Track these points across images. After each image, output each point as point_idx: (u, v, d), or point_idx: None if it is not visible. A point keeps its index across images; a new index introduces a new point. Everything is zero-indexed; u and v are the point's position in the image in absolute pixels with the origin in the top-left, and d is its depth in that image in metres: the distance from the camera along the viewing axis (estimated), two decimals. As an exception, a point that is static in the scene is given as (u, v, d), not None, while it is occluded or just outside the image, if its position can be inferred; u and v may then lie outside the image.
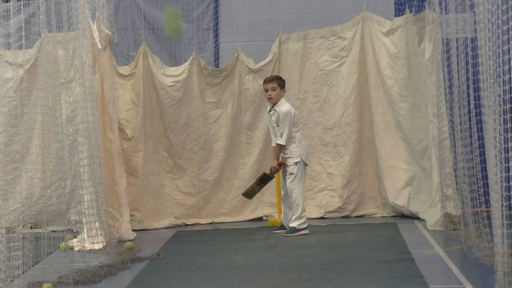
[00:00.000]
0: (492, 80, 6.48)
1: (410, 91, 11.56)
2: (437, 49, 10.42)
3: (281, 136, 10.30)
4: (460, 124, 9.20)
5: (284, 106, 10.37)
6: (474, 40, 8.39)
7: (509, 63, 6.32)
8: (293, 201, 10.29)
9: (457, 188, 10.07)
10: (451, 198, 10.18)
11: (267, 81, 10.54)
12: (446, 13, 9.99)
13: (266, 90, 10.46)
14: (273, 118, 10.41)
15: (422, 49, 11.11)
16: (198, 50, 12.41)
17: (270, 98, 10.40)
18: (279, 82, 10.46)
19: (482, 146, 8.30)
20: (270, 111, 10.50)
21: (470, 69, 8.74)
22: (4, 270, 7.08)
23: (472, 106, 8.94)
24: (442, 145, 10.30)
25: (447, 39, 10.00)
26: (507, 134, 6.36)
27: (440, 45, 10.31)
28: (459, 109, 9.21)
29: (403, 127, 11.64)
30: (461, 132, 9.19)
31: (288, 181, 10.35)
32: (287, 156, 10.37)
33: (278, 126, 10.32)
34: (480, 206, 8.77)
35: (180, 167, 12.25)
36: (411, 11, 11.49)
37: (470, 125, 9.03)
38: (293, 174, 10.30)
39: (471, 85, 8.86)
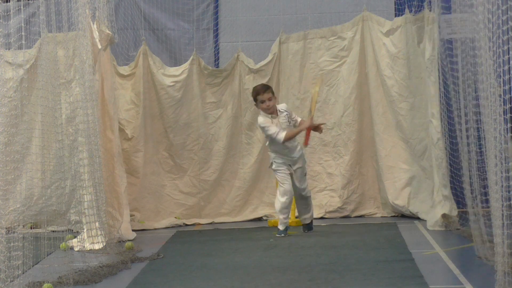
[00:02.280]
0: (492, 80, 6.48)
1: (410, 91, 11.56)
2: (436, 49, 10.42)
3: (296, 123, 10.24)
4: (460, 124, 9.19)
5: (281, 103, 10.46)
6: (474, 40, 8.38)
7: (509, 63, 6.32)
8: (310, 197, 10.46)
9: (456, 188, 10.07)
10: (451, 198, 10.17)
11: (262, 91, 10.09)
12: (446, 13, 9.99)
13: (263, 102, 10.03)
14: (282, 120, 10.10)
15: (421, 49, 11.10)
16: (198, 50, 12.42)
17: (268, 108, 10.04)
18: (272, 90, 10.22)
19: (482, 146, 8.30)
20: (271, 117, 10.16)
21: (471, 69, 8.73)
22: (4, 270, 7.08)
23: (472, 106, 8.93)
24: (441, 145, 10.30)
25: (446, 39, 9.99)
26: (507, 134, 6.36)
27: (439, 45, 10.31)
28: (459, 109, 9.21)
29: (403, 127, 11.64)
30: (461, 132, 9.18)
31: (304, 182, 10.30)
32: (300, 153, 10.28)
33: (289, 122, 10.17)
34: (480, 206, 8.76)
35: (180, 167, 12.25)
36: (410, 11, 11.48)
37: (470, 125, 9.02)
38: (306, 173, 10.39)
39: (471, 85, 8.85)
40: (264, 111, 10.01)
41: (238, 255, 9.06)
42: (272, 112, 10.00)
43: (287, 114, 10.08)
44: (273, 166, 10.26)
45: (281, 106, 10.15)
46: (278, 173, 10.23)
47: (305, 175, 10.28)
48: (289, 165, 10.20)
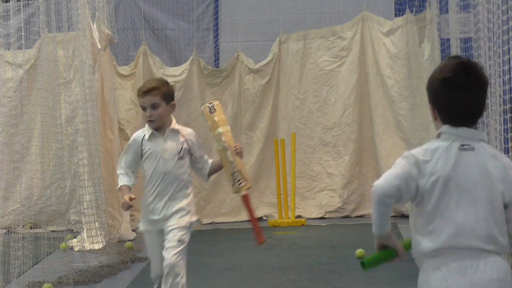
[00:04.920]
0: (492, 80, 6.48)
1: (410, 91, 11.56)
2: (435, 49, 10.42)
3: (208, 162, 5.93)
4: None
5: (188, 128, 5.93)
6: (474, 40, 8.38)
7: (509, 63, 6.32)
8: (177, 283, 5.77)
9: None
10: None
11: (143, 92, 5.69)
12: (446, 13, 9.98)
13: (143, 108, 5.72)
14: (169, 146, 5.80)
15: (422, 49, 11.11)
16: (198, 50, 12.42)
17: (150, 121, 5.70)
18: (165, 91, 5.69)
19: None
20: (151, 135, 5.83)
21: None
22: (4, 270, 7.08)
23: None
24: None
25: (447, 39, 9.99)
26: (507, 134, 6.36)
27: (438, 45, 10.31)
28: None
29: (403, 127, 11.64)
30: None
31: (172, 252, 5.81)
32: (182, 213, 5.88)
33: (180, 156, 5.80)
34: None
35: (180, 167, 12.24)
36: (411, 11, 11.49)
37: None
38: (184, 242, 5.93)
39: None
40: (144, 121, 5.84)
41: (238, 255, 9.06)
42: (156, 127, 5.74)
43: (185, 147, 5.78)
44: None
45: (185, 131, 5.83)
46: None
47: (178, 241, 5.88)
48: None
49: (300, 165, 11.96)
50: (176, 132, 5.77)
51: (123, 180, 6.11)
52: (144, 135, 5.82)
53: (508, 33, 6.34)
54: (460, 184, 3.27)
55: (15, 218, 11.23)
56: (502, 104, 6.45)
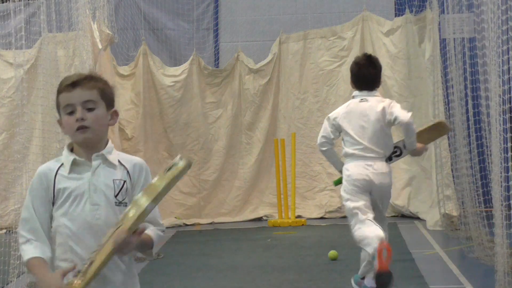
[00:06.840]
0: (493, 80, 6.48)
1: (410, 91, 11.57)
2: (437, 49, 10.43)
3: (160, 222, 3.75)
4: (462, 124, 9.19)
5: (134, 156, 3.82)
6: (473, 40, 8.38)
7: (509, 63, 6.32)
8: None
9: (456, 189, 10.07)
10: (451, 198, 10.18)
11: (72, 83, 3.34)
12: (447, 13, 9.99)
13: (69, 112, 3.35)
14: (100, 179, 3.44)
15: (422, 49, 11.11)
16: (198, 50, 12.43)
17: (82, 127, 3.37)
18: (104, 88, 3.45)
19: (481, 146, 8.30)
20: (74, 166, 3.43)
21: (468, 69, 8.73)
22: (4, 270, 7.08)
23: (470, 106, 8.93)
24: (445, 145, 10.30)
25: (447, 39, 10.00)
26: (506, 134, 6.35)
27: (439, 45, 10.32)
28: (459, 108, 9.21)
29: (403, 127, 11.63)
30: (462, 132, 9.18)
31: None
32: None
33: (120, 201, 3.49)
34: (480, 206, 8.77)
35: (180, 167, 12.25)
36: (411, 11, 11.49)
37: (468, 125, 9.02)
38: None
39: (469, 85, 8.85)
40: (69, 133, 3.45)
41: (238, 255, 9.06)
42: (89, 140, 3.49)
43: (128, 187, 3.58)
44: None
45: (129, 160, 3.73)
46: None
47: None
48: None
49: (300, 165, 11.97)
50: (114, 159, 3.59)
51: (29, 251, 3.29)
52: (60, 168, 3.39)
53: (508, 33, 6.34)
54: (352, 119, 6.16)
55: (15, 218, 11.21)
56: (501, 104, 6.45)
